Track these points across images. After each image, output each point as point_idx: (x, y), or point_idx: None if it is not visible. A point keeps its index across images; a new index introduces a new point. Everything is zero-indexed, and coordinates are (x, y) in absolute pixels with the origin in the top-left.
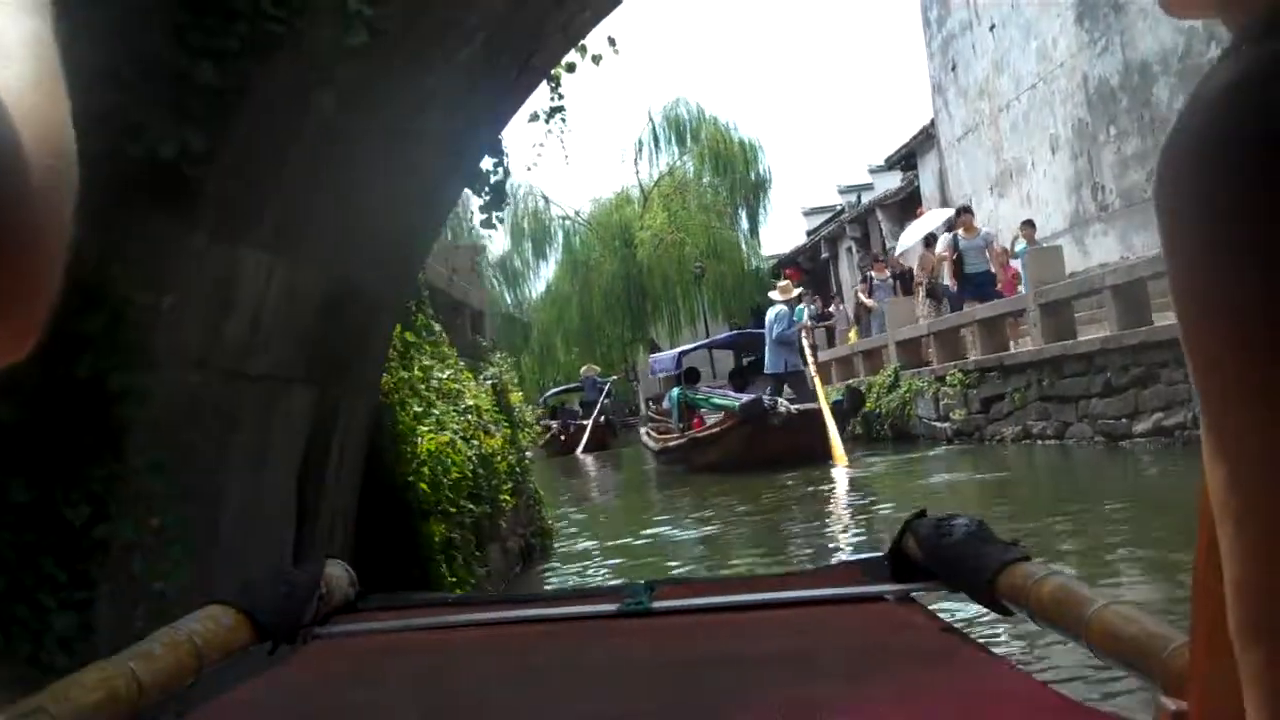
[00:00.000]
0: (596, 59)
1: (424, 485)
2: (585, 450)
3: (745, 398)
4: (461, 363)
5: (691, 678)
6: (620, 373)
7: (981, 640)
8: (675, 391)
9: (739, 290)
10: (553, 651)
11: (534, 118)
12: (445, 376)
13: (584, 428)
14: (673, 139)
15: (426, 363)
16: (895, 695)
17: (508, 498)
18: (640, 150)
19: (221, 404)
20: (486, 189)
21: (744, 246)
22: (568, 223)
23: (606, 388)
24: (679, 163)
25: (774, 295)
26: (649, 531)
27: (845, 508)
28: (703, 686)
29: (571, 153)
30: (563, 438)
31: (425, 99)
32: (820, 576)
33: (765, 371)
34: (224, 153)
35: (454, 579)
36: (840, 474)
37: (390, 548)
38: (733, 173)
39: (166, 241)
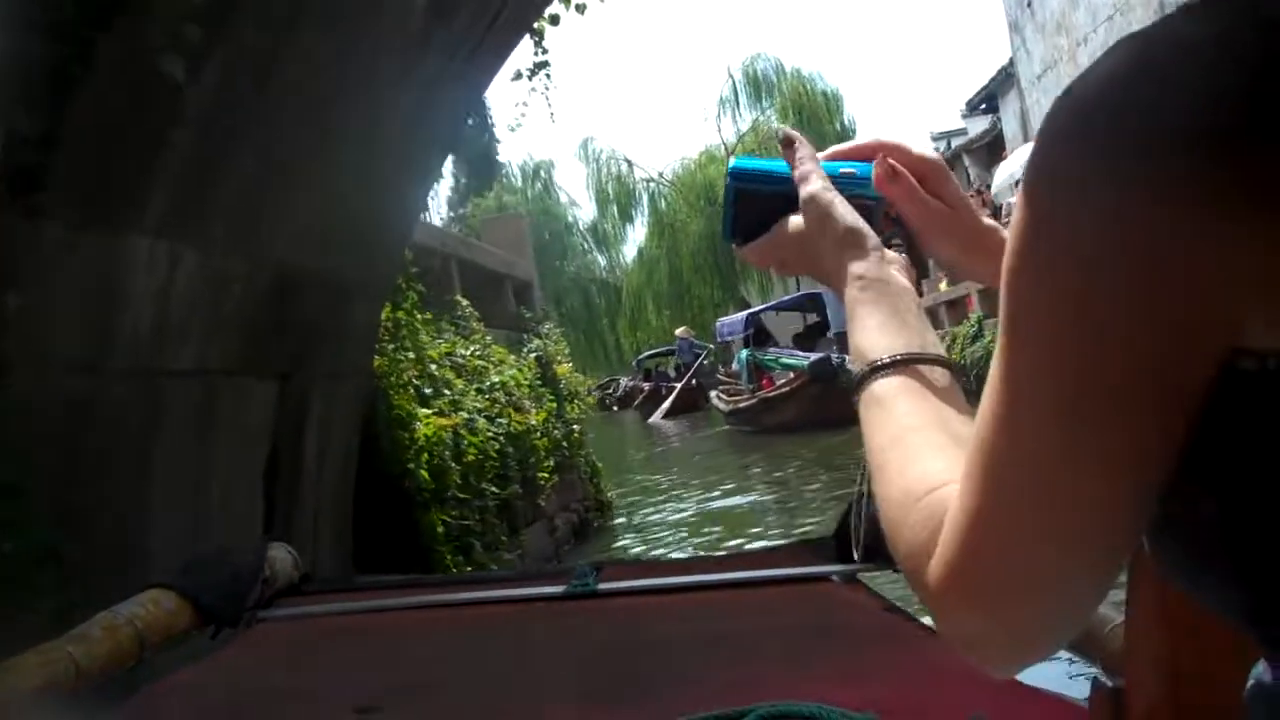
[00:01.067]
0: (580, 8)
1: (424, 472)
2: (668, 415)
3: (814, 357)
4: (490, 337)
5: (636, 659)
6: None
7: (926, 620)
8: (744, 353)
9: None
10: (498, 632)
11: (516, 76)
12: (469, 353)
13: (675, 390)
14: (754, 94)
15: (425, 339)
16: (840, 674)
17: (546, 475)
18: (722, 107)
19: (128, 407)
20: (470, 157)
21: None
22: (652, 185)
23: (703, 351)
24: (762, 118)
25: None
26: (714, 498)
27: None
28: (647, 667)
29: (651, 113)
30: (657, 399)
31: (364, 69)
32: (767, 557)
33: (831, 331)
34: (71, 134)
35: (470, 568)
36: None
37: (390, 539)
38: (817, 125)
39: (10, 237)
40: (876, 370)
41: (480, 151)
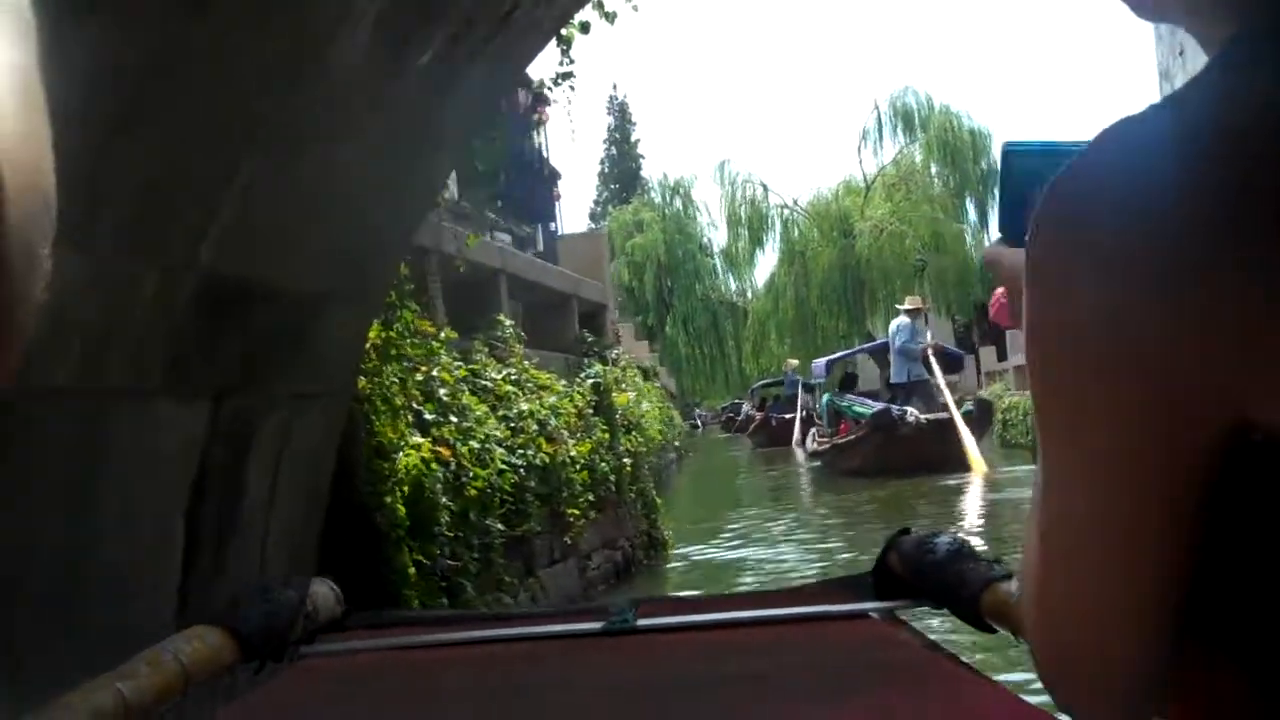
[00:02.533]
0: (610, 16)
1: (400, 507)
2: (759, 445)
3: (879, 406)
4: (538, 360)
5: (676, 696)
6: None
7: (967, 659)
8: (826, 397)
9: (961, 283)
10: (538, 670)
11: (539, 85)
12: (501, 377)
13: (787, 422)
14: (899, 128)
15: (446, 360)
16: (880, 713)
17: (577, 512)
18: (865, 139)
19: None
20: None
21: (969, 239)
22: (786, 211)
23: (805, 383)
24: (905, 152)
25: (901, 306)
26: (775, 539)
27: (978, 515)
28: (685, 705)
29: (790, 140)
30: (768, 429)
31: (313, 51)
32: (805, 594)
33: (891, 381)
34: None
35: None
36: (977, 482)
37: (357, 578)
38: (961, 163)
39: None
40: None
41: (491, 159)
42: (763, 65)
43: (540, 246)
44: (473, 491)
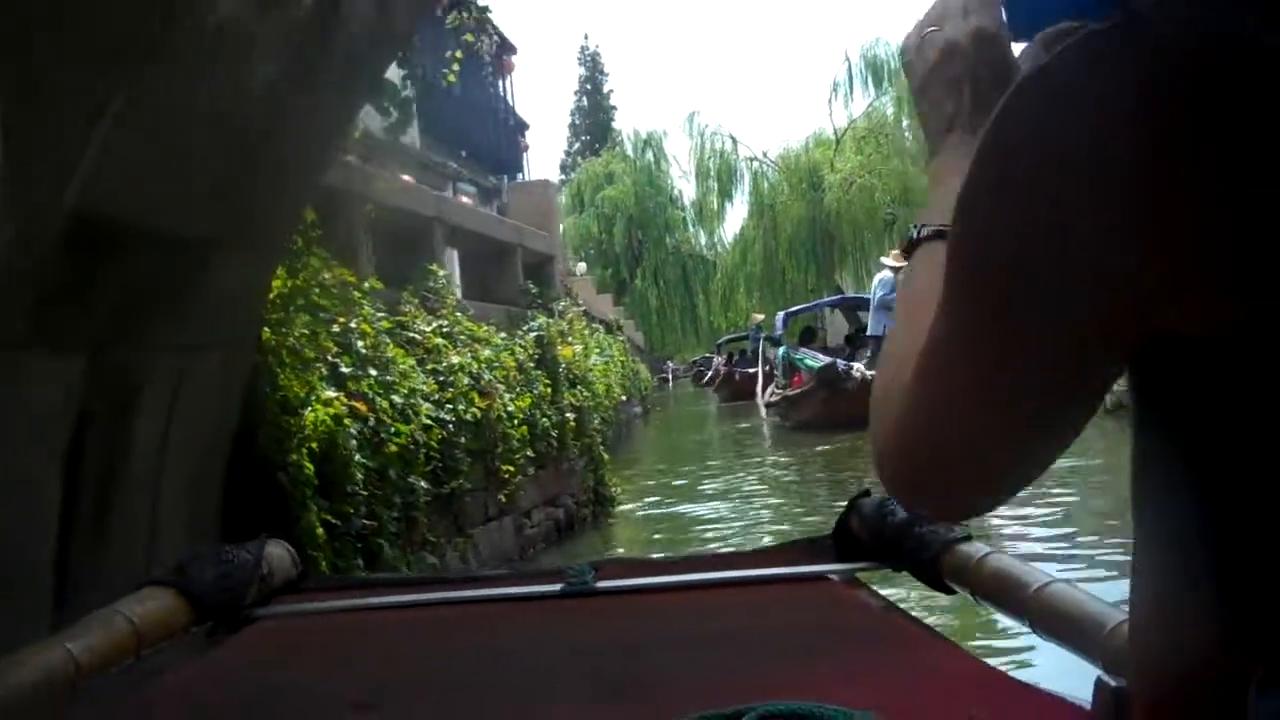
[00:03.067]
0: None
1: (307, 465)
2: (724, 400)
3: (826, 360)
4: (466, 314)
5: (634, 657)
6: None
7: (927, 620)
8: (781, 349)
9: None
10: (496, 631)
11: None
12: (430, 329)
13: (750, 375)
14: (870, 80)
15: (368, 311)
16: (839, 674)
17: (512, 469)
18: (835, 91)
19: None
20: (392, 106)
21: None
22: (755, 164)
23: (769, 336)
24: (876, 105)
25: (886, 260)
26: (720, 494)
27: None
28: (644, 666)
29: (760, 92)
30: (731, 383)
31: None
32: (765, 556)
33: (867, 334)
34: None
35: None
36: None
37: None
38: None
39: None
40: (914, 243)
41: (403, 103)
42: (736, 15)
43: (505, 198)
44: (393, 448)
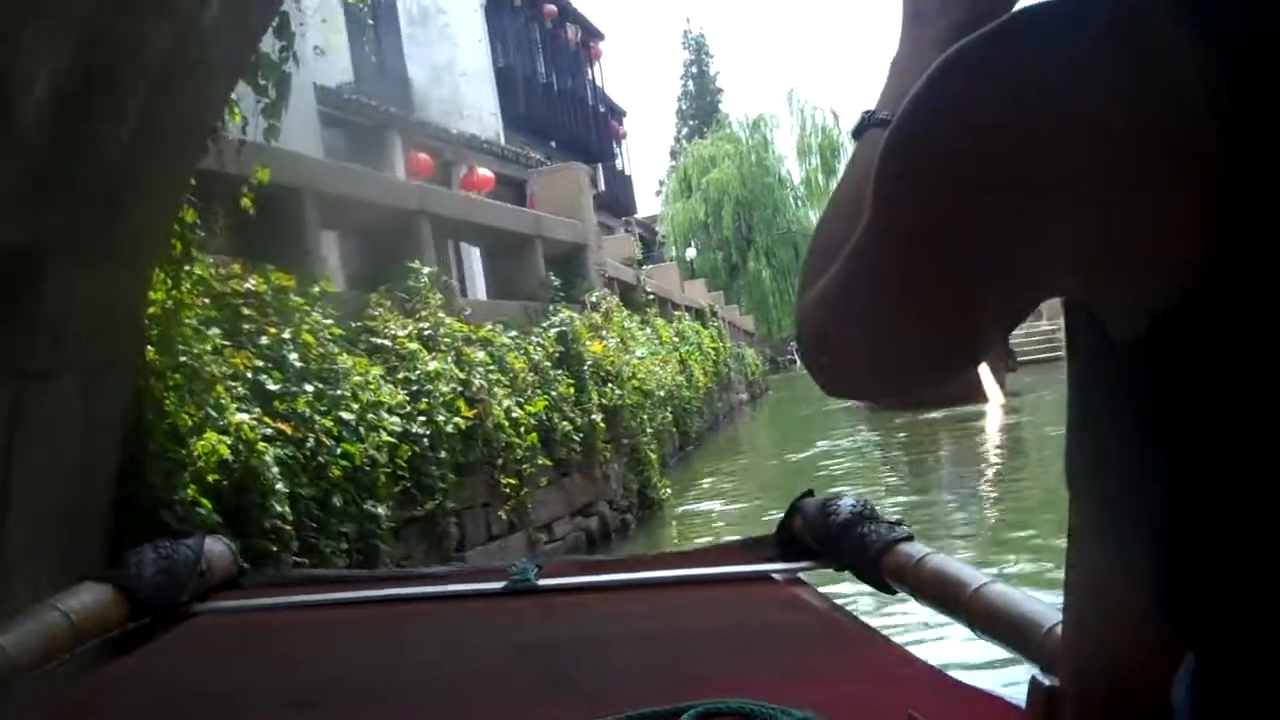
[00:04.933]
0: None
1: (204, 500)
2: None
3: None
4: (456, 313)
5: (575, 655)
6: None
7: (868, 620)
8: None
9: None
10: (437, 629)
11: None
12: (405, 333)
13: None
14: None
15: (313, 319)
16: (780, 672)
17: (512, 481)
18: None
19: None
20: (269, 84)
21: None
22: None
23: None
24: None
25: None
26: (779, 485)
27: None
28: (585, 664)
29: (863, 64)
30: None
31: None
32: (710, 554)
33: None
34: None
35: None
36: (993, 411)
37: None
38: None
39: None
40: (861, 128)
41: (281, 79)
42: None
43: (602, 187)
44: (336, 472)
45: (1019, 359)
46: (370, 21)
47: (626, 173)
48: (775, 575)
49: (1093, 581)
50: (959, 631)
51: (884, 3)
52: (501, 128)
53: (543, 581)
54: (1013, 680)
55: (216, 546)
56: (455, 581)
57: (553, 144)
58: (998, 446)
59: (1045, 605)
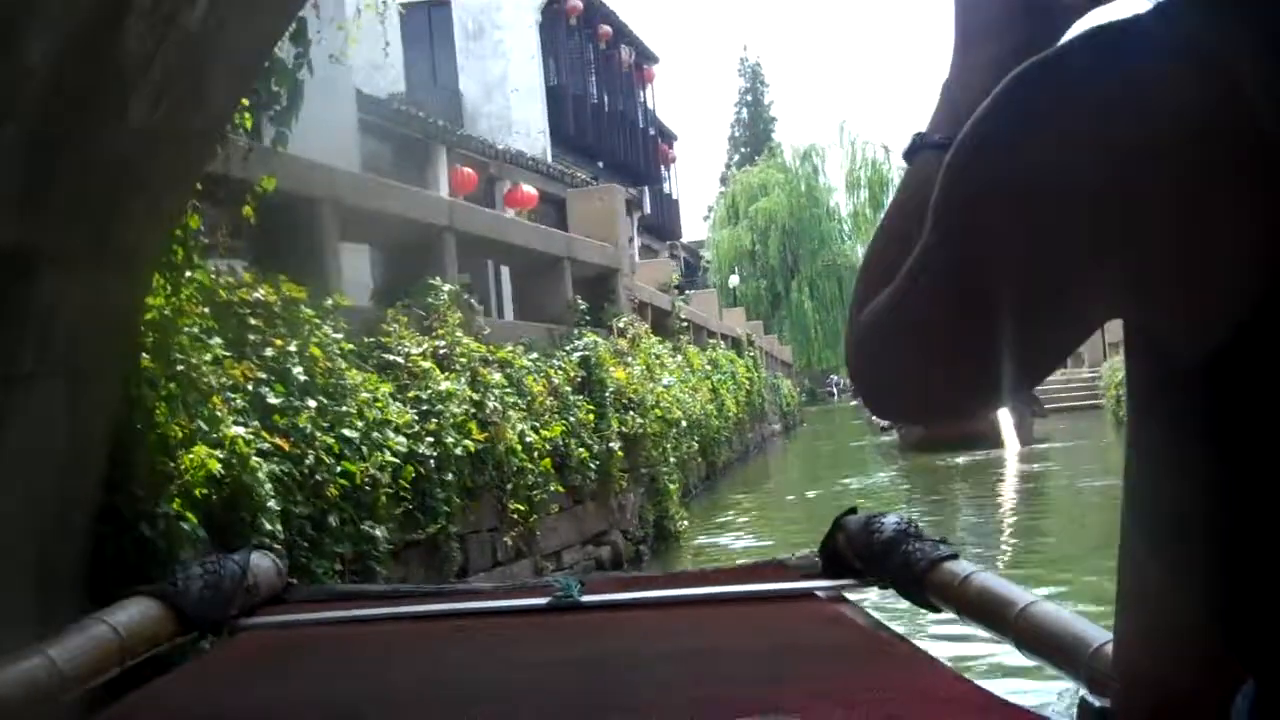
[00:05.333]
0: None
1: (190, 515)
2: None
3: None
4: (481, 332)
5: (619, 673)
6: None
7: (912, 638)
8: None
9: None
10: (481, 645)
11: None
12: (419, 351)
13: None
14: None
15: (323, 334)
16: (825, 692)
17: (521, 507)
18: None
19: None
20: (281, 91)
21: None
22: None
23: None
24: None
25: None
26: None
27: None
28: (630, 681)
29: (916, 100)
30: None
31: None
32: (753, 573)
33: None
34: None
35: None
36: (1011, 457)
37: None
38: None
39: None
40: (913, 150)
41: (293, 87)
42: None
43: (647, 210)
44: (334, 491)
45: (1055, 405)
46: (426, 34)
47: (674, 197)
48: (819, 593)
49: (1147, 601)
50: (1007, 650)
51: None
52: (549, 146)
53: (586, 598)
54: (1057, 700)
55: (263, 562)
56: (500, 598)
57: (600, 164)
58: (1009, 495)
59: (1092, 625)
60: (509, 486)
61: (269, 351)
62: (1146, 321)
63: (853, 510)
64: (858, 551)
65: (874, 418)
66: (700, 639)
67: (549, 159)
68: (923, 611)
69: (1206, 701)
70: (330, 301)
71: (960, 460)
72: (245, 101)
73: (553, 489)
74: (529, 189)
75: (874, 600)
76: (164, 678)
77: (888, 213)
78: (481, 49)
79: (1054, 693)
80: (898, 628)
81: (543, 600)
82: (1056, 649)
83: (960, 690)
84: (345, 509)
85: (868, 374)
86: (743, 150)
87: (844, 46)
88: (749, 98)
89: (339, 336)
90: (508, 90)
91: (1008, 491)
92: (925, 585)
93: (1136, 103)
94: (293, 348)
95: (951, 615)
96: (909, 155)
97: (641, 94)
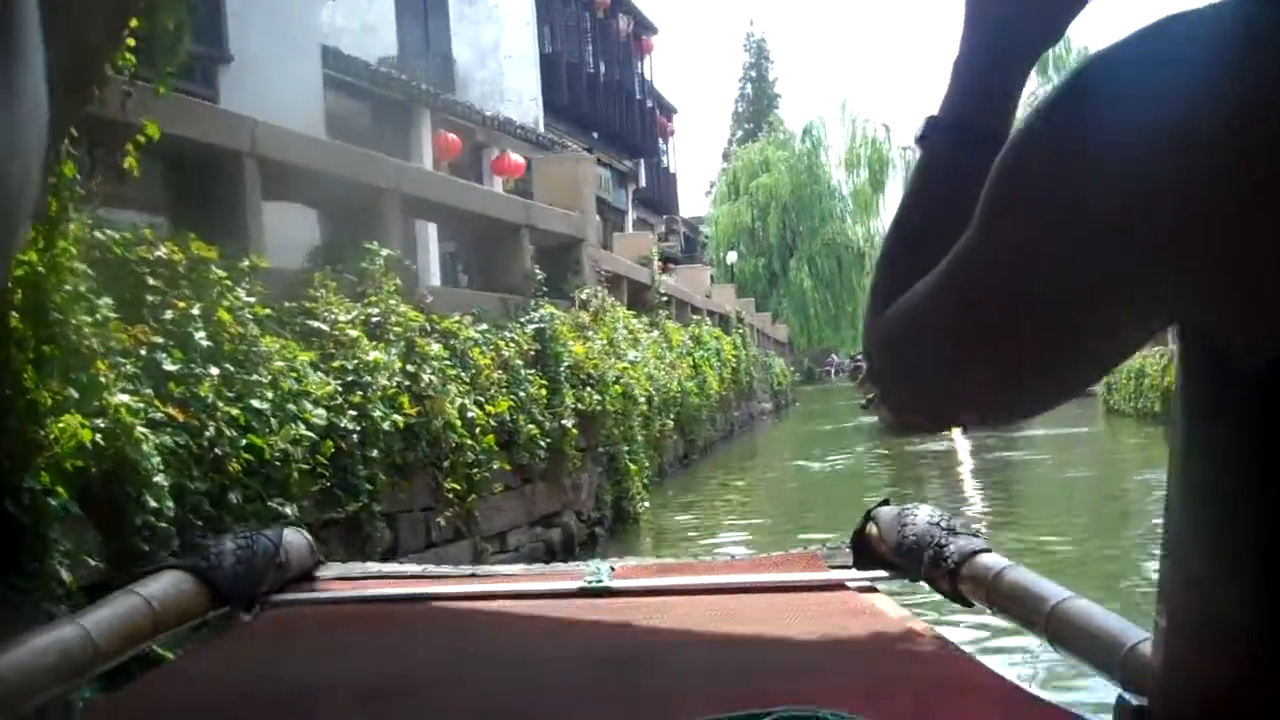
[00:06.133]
0: None
1: (60, 491)
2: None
3: None
4: (424, 301)
5: (649, 659)
6: None
7: (943, 631)
8: None
9: None
10: (511, 628)
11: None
12: (349, 318)
13: None
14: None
15: (234, 299)
16: (854, 683)
17: (456, 486)
18: None
19: None
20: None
21: None
22: (909, 153)
23: None
24: (1037, 93)
25: None
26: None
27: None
28: (659, 668)
29: (918, 78)
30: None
31: None
32: (783, 562)
33: None
34: None
35: None
36: (959, 439)
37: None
38: None
39: None
40: (926, 134)
41: (179, 15)
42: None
43: (642, 183)
44: (236, 466)
45: None
46: None
47: (672, 170)
48: (849, 584)
49: (1193, 603)
50: (1040, 645)
51: (941, 9)
52: (542, 114)
53: (616, 583)
54: (1092, 697)
55: (296, 538)
56: (529, 580)
57: (595, 135)
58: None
59: (1126, 623)
60: (445, 464)
61: (169, 314)
62: (1208, 325)
63: (885, 502)
64: (889, 543)
65: (883, 409)
66: (729, 627)
67: (541, 127)
68: (955, 605)
69: (1252, 702)
70: (246, 263)
71: (938, 446)
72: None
73: (497, 467)
74: (516, 157)
75: (905, 593)
76: (196, 651)
77: (901, 213)
78: (476, 14)
79: (1088, 689)
80: (929, 620)
81: (573, 584)
82: (1090, 646)
83: (992, 684)
84: (251, 485)
85: (894, 374)
86: (746, 126)
87: (847, 22)
88: (753, 73)
89: (251, 300)
90: (501, 57)
91: (985, 479)
92: (957, 579)
93: (1210, 94)
94: (196, 310)
95: (984, 609)
96: (921, 139)
97: (639, 65)
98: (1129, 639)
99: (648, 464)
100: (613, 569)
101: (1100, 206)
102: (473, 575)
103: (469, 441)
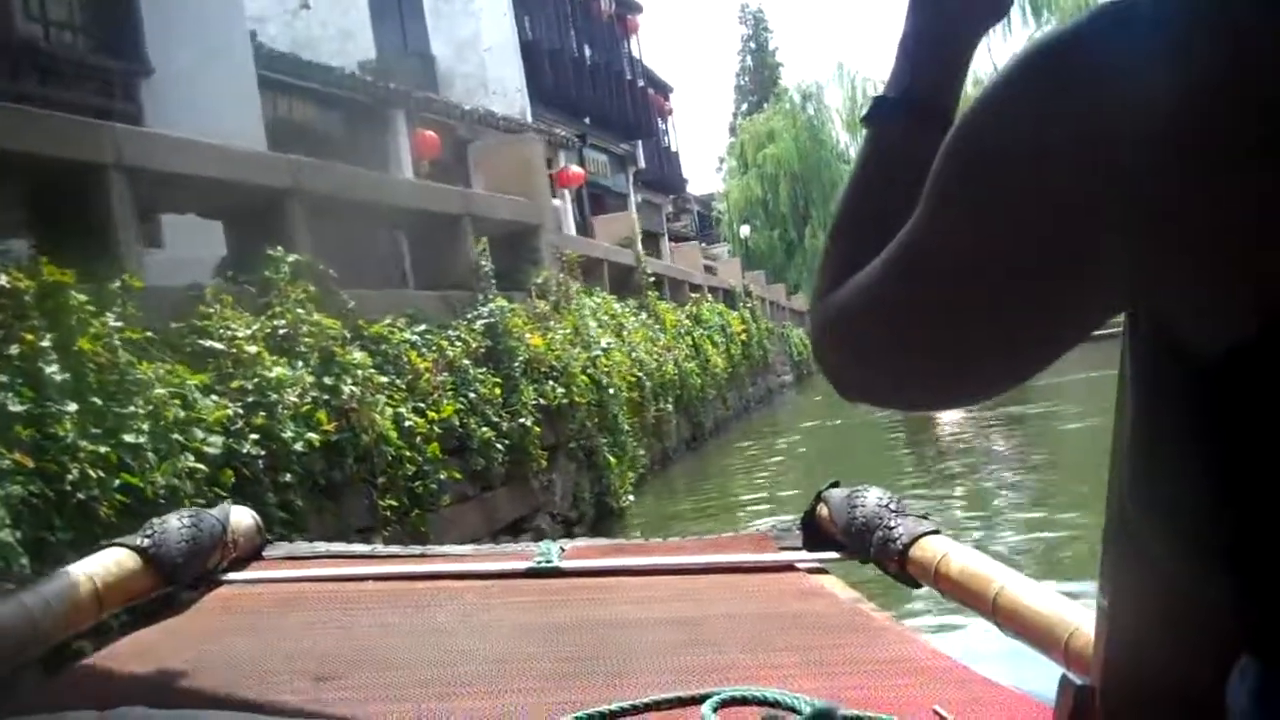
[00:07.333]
0: None
1: None
2: None
3: None
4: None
5: (598, 639)
6: None
7: (891, 612)
8: None
9: None
10: (459, 607)
11: None
12: (250, 331)
13: None
14: (1028, 11)
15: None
16: (803, 662)
17: (393, 503)
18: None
19: None
20: None
21: None
22: None
23: None
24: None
25: None
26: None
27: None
28: (608, 648)
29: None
30: None
31: None
32: (733, 543)
33: None
34: None
35: None
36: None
37: None
38: None
39: None
40: (874, 113)
41: None
42: None
43: (642, 164)
44: (107, 510)
45: None
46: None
47: (674, 149)
48: (799, 565)
49: (1136, 584)
50: (986, 625)
51: None
52: (529, 104)
53: (566, 564)
54: (1039, 674)
55: (243, 517)
56: (479, 561)
57: (586, 120)
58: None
59: (1071, 604)
60: (380, 480)
61: (14, 349)
62: (1164, 309)
63: (835, 483)
64: (839, 525)
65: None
66: (679, 607)
67: (528, 117)
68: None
69: (1191, 681)
70: (118, 284)
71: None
72: None
73: (445, 477)
74: (575, 168)
75: (855, 574)
76: (144, 631)
77: (849, 192)
78: (452, 9)
79: (1035, 668)
80: (880, 602)
81: (522, 564)
82: (1035, 629)
83: (940, 664)
84: (131, 530)
85: (837, 358)
86: (750, 99)
87: None
88: (752, 44)
89: (119, 325)
90: (481, 50)
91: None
92: (906, 560)
93: (1170, 71)
94: (46, 342)
95: (932, 590)
96: (868, 118)
97: (626, 45)
98: (1072, 621)
99: (643, 452)
100: (563, 550)
101: (1056, 184)
102: (422, 555)
103: (408, 453)
